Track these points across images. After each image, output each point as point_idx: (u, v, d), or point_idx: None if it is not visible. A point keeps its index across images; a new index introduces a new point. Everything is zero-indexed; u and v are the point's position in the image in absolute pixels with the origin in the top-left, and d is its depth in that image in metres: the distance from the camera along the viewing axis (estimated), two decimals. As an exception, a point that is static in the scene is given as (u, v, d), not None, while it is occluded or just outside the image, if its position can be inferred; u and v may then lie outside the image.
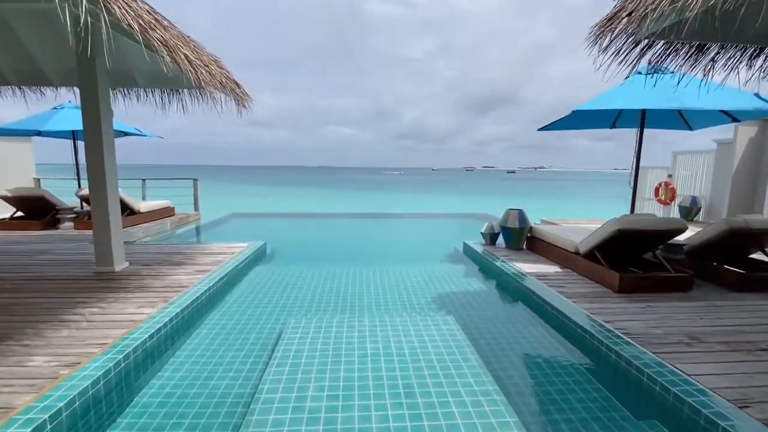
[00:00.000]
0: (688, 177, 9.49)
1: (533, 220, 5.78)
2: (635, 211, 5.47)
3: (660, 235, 3.92)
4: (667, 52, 3.30)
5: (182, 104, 5.39)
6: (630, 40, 3.10)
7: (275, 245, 6.50)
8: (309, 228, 9.49)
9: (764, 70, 3.52)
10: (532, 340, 3.17)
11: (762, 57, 3.44)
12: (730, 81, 3.56)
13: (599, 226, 4.18)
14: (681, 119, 5.53)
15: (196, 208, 9.53)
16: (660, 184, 9.75)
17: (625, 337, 2.79)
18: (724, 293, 3.83)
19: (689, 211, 8.62)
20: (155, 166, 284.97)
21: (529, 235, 5.59)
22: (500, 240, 5.87)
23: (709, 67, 3.39)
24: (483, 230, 5.89)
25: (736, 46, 3.34)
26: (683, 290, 3.84)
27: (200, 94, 5.32)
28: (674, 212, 9.38)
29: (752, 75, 3.51)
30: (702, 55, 3.30)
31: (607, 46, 3.07)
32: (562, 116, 5.07)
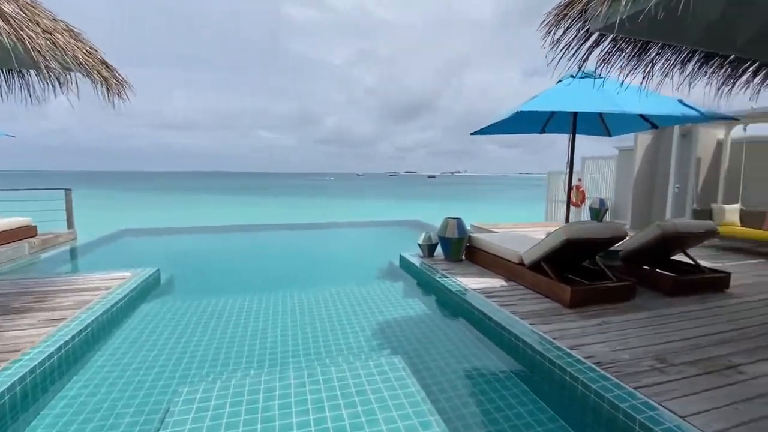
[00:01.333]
0: (595, 180, 10.30)
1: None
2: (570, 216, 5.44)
3: (605, 243, 3.77)
4: (614, 50, 3.12)
5: (29, 91, 4.00)
6: (582, 32, 2.82)
7: (174, 271, 5.27)
8: (220, 245, 8.14)
9: (693, 75, 3.55)
10: (492, 380, 2.68)
11: (693, 61, 3.45)
12: (664, 87, 3.53)
13: (532, 230, 3.92)
14: (602, 125, 5.68)
15: (69, 226, 7.64)
16: (572, 188, 10.42)
17: (599, 369, 2.42)
18: (662, 299, 3.80)
19: (598, 212, 9.24)
20: (29, 173, 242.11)
21: (468, 244, 5.25)
22: (438, 250, 5.46)
23: (648, 69, 3.30)
24: (420, 241, 5.42)
25: (672, 48, 3.29)
26: (627, 299, 3.73)
27: (58, 78, 3.98)
28: (585, 213, 10.06)
29: (684, 80, 3.52)
30: (645, 54, 3.18)
31: (560, 38, 2.77)
32: (500, 118, 4.81)
